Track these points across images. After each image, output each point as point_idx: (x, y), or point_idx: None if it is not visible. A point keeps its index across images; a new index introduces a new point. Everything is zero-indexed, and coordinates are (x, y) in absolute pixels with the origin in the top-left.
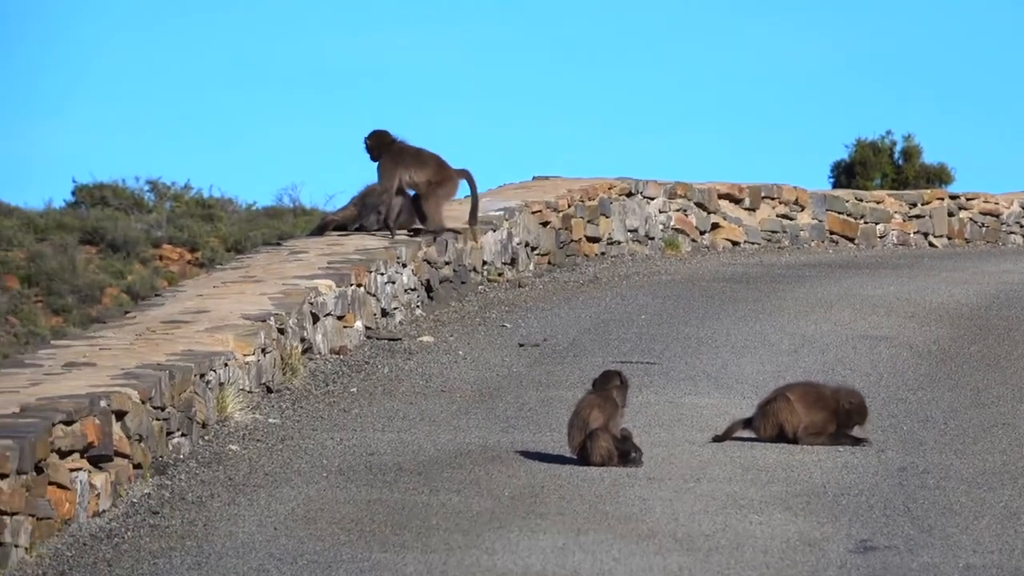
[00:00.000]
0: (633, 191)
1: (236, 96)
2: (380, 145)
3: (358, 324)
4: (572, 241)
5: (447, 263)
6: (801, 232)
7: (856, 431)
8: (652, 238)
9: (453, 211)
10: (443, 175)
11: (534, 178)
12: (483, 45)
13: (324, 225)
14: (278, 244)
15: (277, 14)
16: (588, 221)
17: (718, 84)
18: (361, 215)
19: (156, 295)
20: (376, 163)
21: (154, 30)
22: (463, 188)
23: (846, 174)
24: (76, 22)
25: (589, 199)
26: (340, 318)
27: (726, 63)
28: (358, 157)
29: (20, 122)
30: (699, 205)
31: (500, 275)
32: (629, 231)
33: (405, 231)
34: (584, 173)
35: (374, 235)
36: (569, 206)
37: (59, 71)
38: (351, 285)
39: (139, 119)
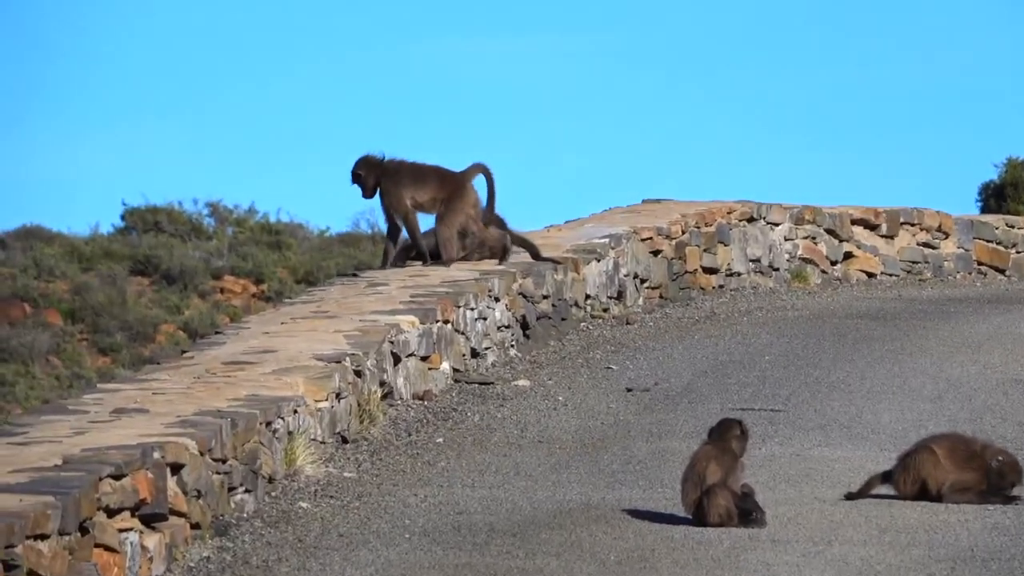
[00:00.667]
0: (755, 216)
1: (307, 111)
2: (371, 172)
3: (445, 366)
4: (686, 272)
5: (545, 297)
6: (945, 262)
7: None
8: (776, 269)
9: (550, 238)
10: (447, 188)
11: (644, 201)
12: (587, 59)
13: (405, 252)
14: (354, 275)
15: (354, 22)
16: (704, 250)
17: (850, 99)
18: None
19: (216, 332)
20: (371, 196)
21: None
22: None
23: (996, 197)
24: (130, 34)
25: (706, 225)
26: (424, 359)
27: (858, 76)
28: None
29: (63, 139)
30: (830, 232)
31: (605, 310)
32: (751, 261)
33: (468, 259)
34: (699, 196)
35: (462, 265)
36: (683, 232)
37: (105, 83)
38: (437, 322)
39: (197, 135)
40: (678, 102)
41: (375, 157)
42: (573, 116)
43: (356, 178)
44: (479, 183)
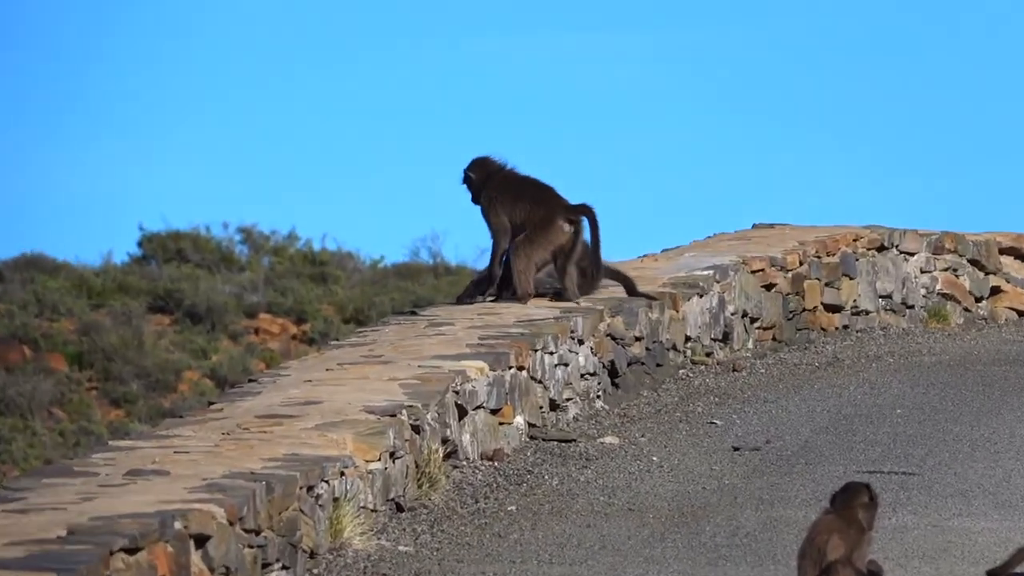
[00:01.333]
0: (886, 244)
1: (356, 122)
2: (481, 176)
3: (518, 420)
4: (804, 310)
5: (638, 339)
6: None
7: None
8: (911, 306)
9: (645, 269)
10: (537, 214)
11: (754, 226)
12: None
13: (479, 285)
14: (413, 313)
15: (412, 18)
16: (826, 284)
17: (995, 109)
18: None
19: (250, 381)
20: (476, 203)
21: (244, 44)
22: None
23: None
24: (150, 35)
25: (827, 254)
26: (495, 412)
27: (1000, 82)
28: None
29: (70, 153)
30: (973, 263)
31: (708, 355)
32: (881, 297)
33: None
34: (817, 220)
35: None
36: (801, 263)
37: (119, 90)
38: (509, 368)
39: (227, 149)
40: (789, 115)
41: (492, 160)
42: (669, 130)
43: (467, 179)
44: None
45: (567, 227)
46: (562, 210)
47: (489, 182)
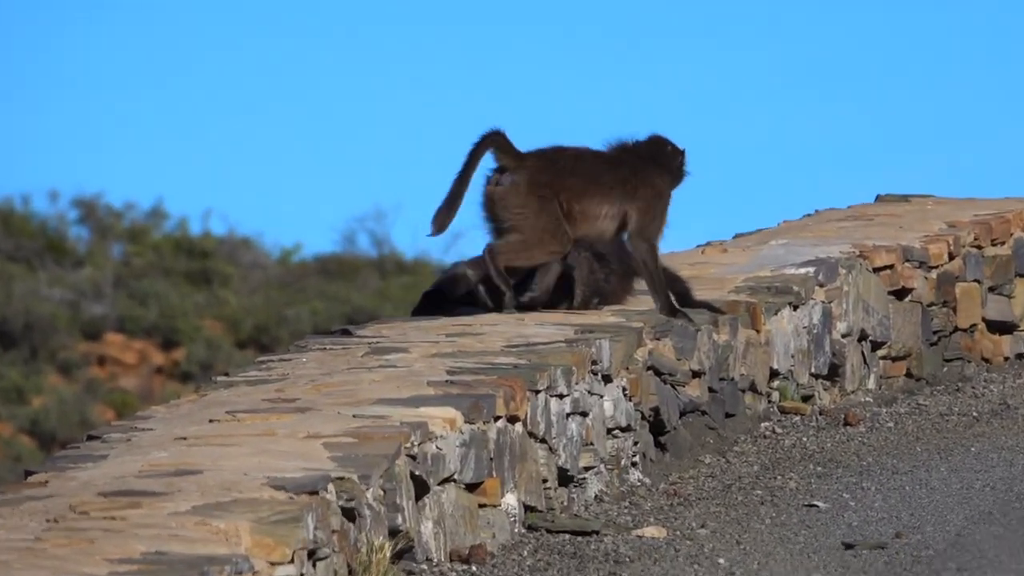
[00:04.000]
0: None
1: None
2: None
3: (509, 501)
4: (957, 329)
5: (696, 374)
6: None
7: None
8: None
9: (707, 265)
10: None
11: (879, 199)
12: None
13: (445, 289)
14: (346, 333)
15: None
16: (991, 289)
17: None
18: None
19: (91, 438)
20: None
21: None
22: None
23: None
24: None
25: (994, 242)
26: (472, 488)
27: None
28: None
29: None
30: None
31: (807, 399)
32: None
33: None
34: (970, 191)
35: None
36: (951, 256)
37: None
38: (496, 420)
39: (54, 94)
40: (921, 72)
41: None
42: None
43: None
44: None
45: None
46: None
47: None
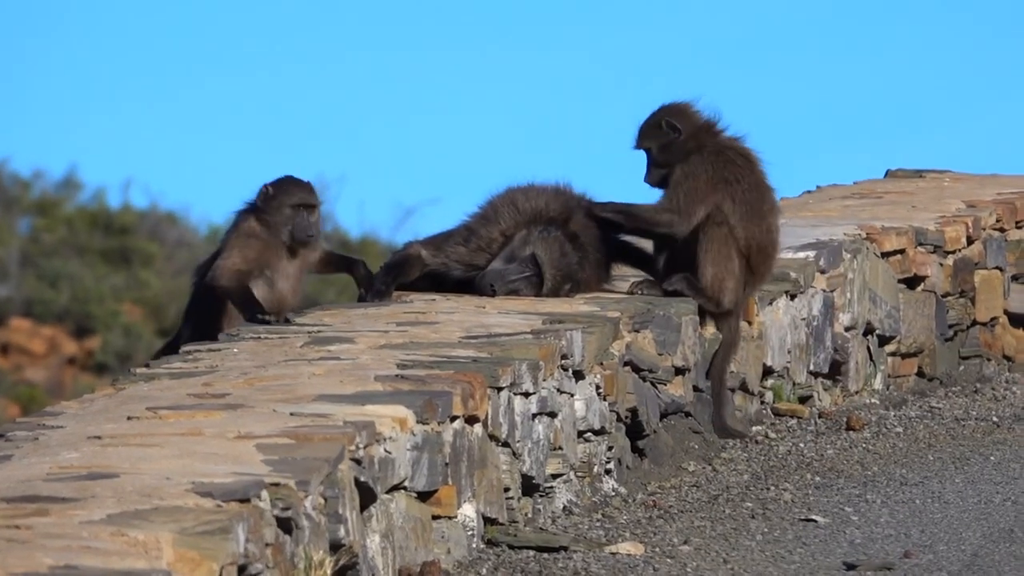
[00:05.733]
0: None
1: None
2: (690, 136)
3: (467, 512)
4: (975, 323)
5: (679, 370)
6: None
7: None
8: None
9: None
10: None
11: (889, 175)
12: None
13: (397, 269)
14: (283, 321)
15: None
16: (1014, 278)
17: None
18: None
19: None
20: (664, 171)
21: None
22: None
23: None
24: None
25: (1018, 224)
26: (425, 497)
27: None
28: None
29: None
30: None
31: (804, 400)
32: None
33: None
34: (992, 167)
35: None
36: (970, 240)
37: None
38: (452, 420)
39: None
40: (932, 41)
41: (696, 114)
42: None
43: (661, 132)
44: None
45: None
46: None
47: (696, 145)
